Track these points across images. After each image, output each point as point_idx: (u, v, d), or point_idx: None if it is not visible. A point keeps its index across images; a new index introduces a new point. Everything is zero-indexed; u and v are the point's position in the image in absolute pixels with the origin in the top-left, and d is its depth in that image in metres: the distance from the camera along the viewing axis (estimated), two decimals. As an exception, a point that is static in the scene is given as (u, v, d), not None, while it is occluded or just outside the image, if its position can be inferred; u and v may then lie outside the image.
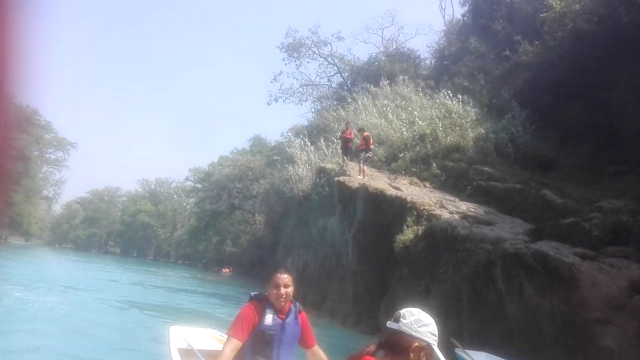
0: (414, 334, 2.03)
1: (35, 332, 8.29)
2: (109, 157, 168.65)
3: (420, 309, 2.16)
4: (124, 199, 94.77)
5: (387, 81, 25.97)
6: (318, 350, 3.81)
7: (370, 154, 16.29)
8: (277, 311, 3.64)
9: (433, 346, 2.06)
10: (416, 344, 2.01)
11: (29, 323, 8.99)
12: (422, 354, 2.02)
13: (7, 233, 57.04)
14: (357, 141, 16.88)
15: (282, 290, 3.60)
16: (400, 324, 2.07)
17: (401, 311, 2.13)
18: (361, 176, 15.38)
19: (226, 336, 5.35)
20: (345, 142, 17.30)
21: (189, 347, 5.17)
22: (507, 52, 20.86)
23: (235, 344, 3.50)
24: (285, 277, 3.64)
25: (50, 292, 13.83)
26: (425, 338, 2.04)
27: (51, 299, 12.60)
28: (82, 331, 8.83)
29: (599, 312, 7.04)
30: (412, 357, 2.00)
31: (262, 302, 3.65)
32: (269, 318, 3.59)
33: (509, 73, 20.22)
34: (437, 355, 2.10)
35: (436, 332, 2.09)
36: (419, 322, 2.07)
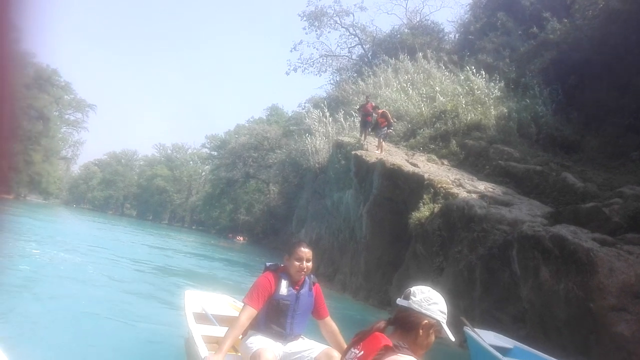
0: (423, 311, 2.07)
1: (58, 288, 8.49)
2: (127, 121, 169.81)
3: (431, 287, 2.20)
4: (141, 162, 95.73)
5: (407, 56, 25.49)
6: (330, 321, 3.87)
7: (391, 130, 16.15)
8: (293, 282, 3.69)
9: (442, 323, 2.09)
10: (425, 321, 2.06)
11: (51, 280, 9.21)
12: (430, 331, 2.07)
13: (26, 191, 58.14)
14: (375, 116, 16.68)
15: (305, 264, 3.65)
16: (410, 301, 2.11)
17: (411, 289, 2.16)
18: (379, 151, 15.27)
19: (239, 303, 5.43)
20: (365, 116, 17.09)
21: (204, 312, 5.24)
22: (535, 29, 20.29)
23: (251, 312, 3.56)
24: (308, 252, 3.71)
25: (72, 251, 14.12)
26: (434, 315, 2.09)
27: (72, 257, 12.86)
28: (99, 293, 9.01)
29: (614, 298, 6.97)
30: (421, 333, 2.05)
31: (278, 273, 3.71)
32: (284, 288, 3.65)
33: (535, 51, 19.70)
34: (446, 332, 2.10)
35: (445, 310, 2.12)
36: (428, 300, 2.11)
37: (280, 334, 3.64)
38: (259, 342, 3.56)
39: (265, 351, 3.39)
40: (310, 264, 3.71)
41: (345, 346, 3.20)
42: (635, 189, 10.02)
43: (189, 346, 4.54)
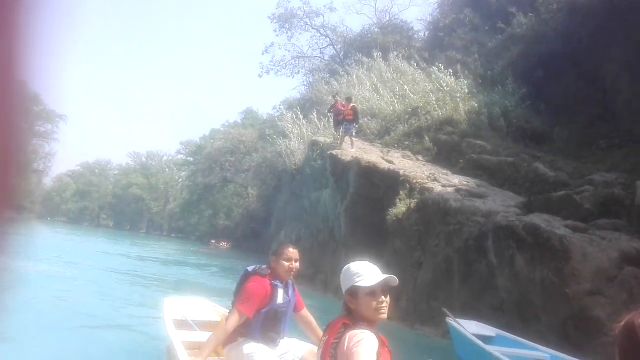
0: (343, 291, 2.33)
1: (36, 299, 8.32)
2: (99, 130, 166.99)
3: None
4: (115, 171, 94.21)
5: (380, 53, 25.64)
6: (306, 312, 3.97)
7: (356, 126, 16.13)
8: (283, 287, 3.70)
9: (356, 283, 2.26)
10: (346, 296, 2.31)
11: (29, 291, 9.01)
12: (351, 300, 2.28)
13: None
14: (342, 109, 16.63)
15: (293, 264, 3.67)
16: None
17: None
18: (353, 149, 15.33)
19: (220, 307, 5.39)
20: (336, 115, 17.13)
21: (184, 318, 5.20)
22: (501, 23, 20.63)
23: (241, 317, 3.53)
24: (295, 252, 3.76)
25: (48, 264, 13.84)
26: (347, 287, 2.30)
27: (49, 269, 12.61)
28: (79, 303, 8.86)
29: (589, 283, 7.15)
30: (355, 305, 2.25)
31: (268, 278, 3.67)
32: (280, 297, 3.65)
33: (503, 45, 20.02)
34: (366, 285, 2.26)
35: (355, 270, 2.31)
36: (342, 279, 2.36)
37: (275, 339, 3.66)
38: (257, 350, 3.55)
39: None
40: (297, 264, 3.74)
41: (320, 334, 3.48)
42: (605, 176, 10.28)
43: (169, 353, 4.50)
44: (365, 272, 2.28)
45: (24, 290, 9.32)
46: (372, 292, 2.23)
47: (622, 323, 1.37)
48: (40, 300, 8.48)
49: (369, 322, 2.21)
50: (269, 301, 3.60)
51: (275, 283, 3.65)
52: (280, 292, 3.65)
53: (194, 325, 5.06)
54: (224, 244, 46.90)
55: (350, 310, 2.27)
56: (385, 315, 2.25)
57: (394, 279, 2.28)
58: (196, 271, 19.78)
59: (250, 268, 3.80)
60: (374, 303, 2.22)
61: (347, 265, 2.37)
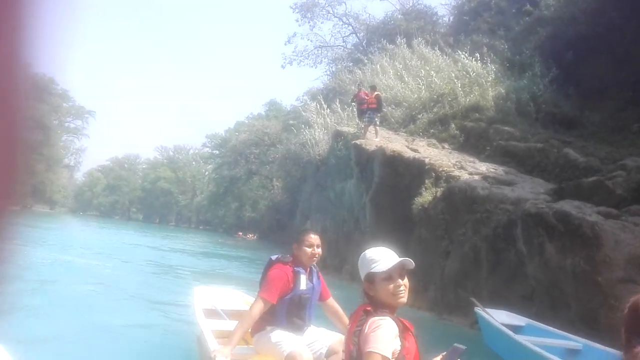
0: (363, 275, 2.34)
1: (67, 291, 8.58)
2: (127, 125, 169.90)
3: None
4: (144, 166, 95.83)
5: (404, 39, 25.31)
6: (333, 301, 4.00)
7: (379, 115, 15.98)
8: (308, 274, 3.73)
9: (370, 270, 2.28)
10: (365, 283, 2.31)
11: (61, 283, 9.30)
12: (370, 286, 2.29)
13: (31, 201, 58.36)
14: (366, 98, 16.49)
15: (316, 250, 3.71)
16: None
17: None
18: (378, 138, 15.22)
19: (249, 297, 5.44)
20: (360, 104, 16.99)
21: (213, 307, 5.27)
22: (528, 6, 20.13)
23: (265, 304, 3.58)
24: (316, 238, 3.81)
25: (81, 256, 14.23)
26: (364, 274, 2.32)
27: (81, 261, 12.96)
28: (109, 296, 9.07)
29: (621, 271, 6.97)
30: (375, 292, 2.26)
31: (290, 265, 3.71)
32: (303, 283, 3.68)
33: (530, 28, 19.53)
34: (376, 272, 2.28)
35: (371, 256, 2.33)
36: (359, 267, 2.38)
37: (301, 327, 3.69)
38: (285, 338, 3.57)
39: (303, 353, 3.42)
40: (320, 250, 3.79)
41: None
42: (638, 161, 9.97)
43: (200, 342, 4.57)
44: (381, 258, 2.29)
45: (62, 281, 9.64)
46: (389, 277, 2.23)
47: (629, 304, 1.49)
48: (71, 293, 8.72)
49: (390, 307, 2.23)
50: (293, 287, 3.63)
51: (298, 269, 3.69)
52: (303, 278, 3.68)
53: (223, 314, 5.12)
54: (252, 236, 47.34)
55: (370, 297, 2.28)
56: (404, 299, 2.25)
57: (410, 262, 2.28)
58: (224, 262, 20.02)
59: (274, 257, 3.87)
60: (392, 287, 2.22)
61: (363, 253, 2.39)
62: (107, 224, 49.73)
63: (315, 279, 3.80)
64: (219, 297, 5.69)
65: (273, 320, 3.66)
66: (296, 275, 3.66)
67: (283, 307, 3.62)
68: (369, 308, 2.25)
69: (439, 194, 11.34)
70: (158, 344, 6.08)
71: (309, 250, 3.71)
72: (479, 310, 6.81)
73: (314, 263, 3.81)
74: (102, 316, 7.15)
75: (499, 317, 6.74)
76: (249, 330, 3.77)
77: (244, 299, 5.74)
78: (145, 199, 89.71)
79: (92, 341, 5.84)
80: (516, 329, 6.59)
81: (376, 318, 2.15)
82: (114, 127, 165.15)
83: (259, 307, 3.56)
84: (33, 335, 5.46)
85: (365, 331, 2.13)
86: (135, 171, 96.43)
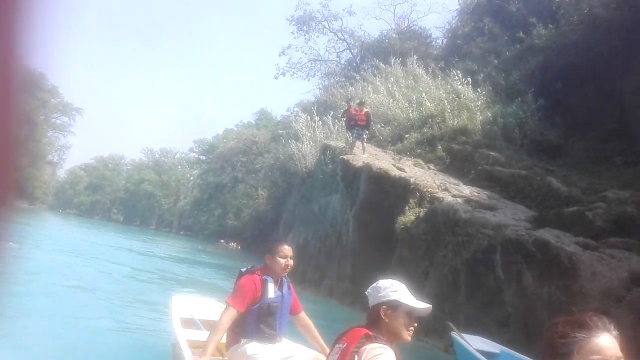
0: (377, 300, 2.33)
1: (42, 292, 8.39)
2: (114, 125, 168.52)
3: (417, 291, 2.40)
4: (128, 167, 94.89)
5: (399, 59, 25.57)
6: (304, 316, 4.00)
7: (367, 132, 16.03)
8: (275, 282, 3.73)
9: (398, 300, 2.29)
10: (383, 307, 2.29)
11: (37, 284, 9.09)
12: (390, 312, 2.28)
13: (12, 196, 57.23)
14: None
15: (289, 261, 3.72)
16: (369, 297, 2.40)
17: (367, 291, 2.45)
18: (365, 155, 15.28)
19: None
20: (349, 120, 17.07)
21: (191, 317, 5.21)
22: (521, 34, 20.49)
23: (233, 313, 3.57)
24: (289, 249, 3.80)
25: (58, 255, 13.97)
26: (387, 298, 2.31)
27: (58, 260, 12.72)
28: (86, 298, 8.92)
29: (596, 302, 7.03)
30: (383, 319, 2.27)
31: (259, 275, 3.72)
32: (271, 291, 3.67)
33: (521, 56, 19.88)
34: (408, 304, 2.32)
35: (397, 287, 2.34)
36: (379, 289, 2.37)
37: (272, 336, 3.67)
38: (260, 351, 3.57)
39: None
40: (292, 262, 3.78)
41: (319, 338, 3.83)
42: (619, 194, 10.13)
43: (175, 351, 4.53)
44: (406, 293, 2.35)
45: (32, 280, 9.43)
46: (411, 313, 2.31)
47: (546, 327, 1.58)
48: (46, 295, 8.55)
49: (393, 338, 2.27)
50: (261, 296, 3.62)
51: (266, 278, 3.69)
52: (271, 287, 3.67)
53: (200, 324, 5.07)
54: (234, 245, 46.90)
55: (378, 322, 2.30)
56: (410, 338, 2.32)
57: (427, 312, 2.37)
58: (205, 270, 19.82)
59: (243, 269, 3.87)
60: (408, 322, 2.30)
61: (389, 280, 2.42)
62: (87, 224, 49.08)
63: (285, 289, 3.80)
64: (197, 307, 5.64)
65: (244, 332, 3.65)
66: (264, 284, 3.66)
67: (252, 317, 3.61)
68: (370, 333, 2.24)
69: (422, 214, 11.39)
70: (133, 351, 5.98)
71: (282, 261, 3.71)
72: (455, 335, 6.80)
73: (286, 273, 3.82)
74: (76, 319, 7.02)
75: (474, 343, 6.73)
76: (223, 341, 3.76)
77: (221, 309, 5.69)
78: (127, 201, 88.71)
79: (65, 344, 5.72)
80: (491, 355, 6.58)
81: (378, 345, 2.15)
82: (102, 126, 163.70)
83: (228, 315, 3.55)
84: (5, 340, 5.34)
85: (364, 357, 2.13)
86: (119, 172, 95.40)
